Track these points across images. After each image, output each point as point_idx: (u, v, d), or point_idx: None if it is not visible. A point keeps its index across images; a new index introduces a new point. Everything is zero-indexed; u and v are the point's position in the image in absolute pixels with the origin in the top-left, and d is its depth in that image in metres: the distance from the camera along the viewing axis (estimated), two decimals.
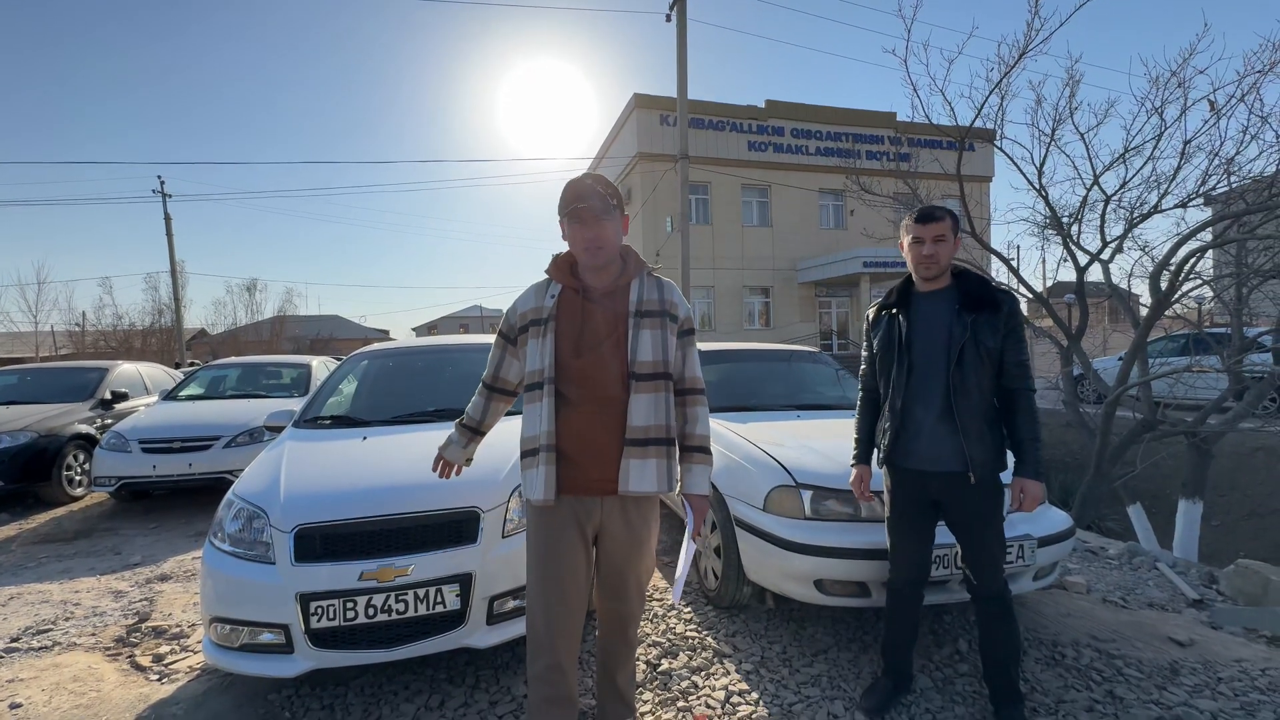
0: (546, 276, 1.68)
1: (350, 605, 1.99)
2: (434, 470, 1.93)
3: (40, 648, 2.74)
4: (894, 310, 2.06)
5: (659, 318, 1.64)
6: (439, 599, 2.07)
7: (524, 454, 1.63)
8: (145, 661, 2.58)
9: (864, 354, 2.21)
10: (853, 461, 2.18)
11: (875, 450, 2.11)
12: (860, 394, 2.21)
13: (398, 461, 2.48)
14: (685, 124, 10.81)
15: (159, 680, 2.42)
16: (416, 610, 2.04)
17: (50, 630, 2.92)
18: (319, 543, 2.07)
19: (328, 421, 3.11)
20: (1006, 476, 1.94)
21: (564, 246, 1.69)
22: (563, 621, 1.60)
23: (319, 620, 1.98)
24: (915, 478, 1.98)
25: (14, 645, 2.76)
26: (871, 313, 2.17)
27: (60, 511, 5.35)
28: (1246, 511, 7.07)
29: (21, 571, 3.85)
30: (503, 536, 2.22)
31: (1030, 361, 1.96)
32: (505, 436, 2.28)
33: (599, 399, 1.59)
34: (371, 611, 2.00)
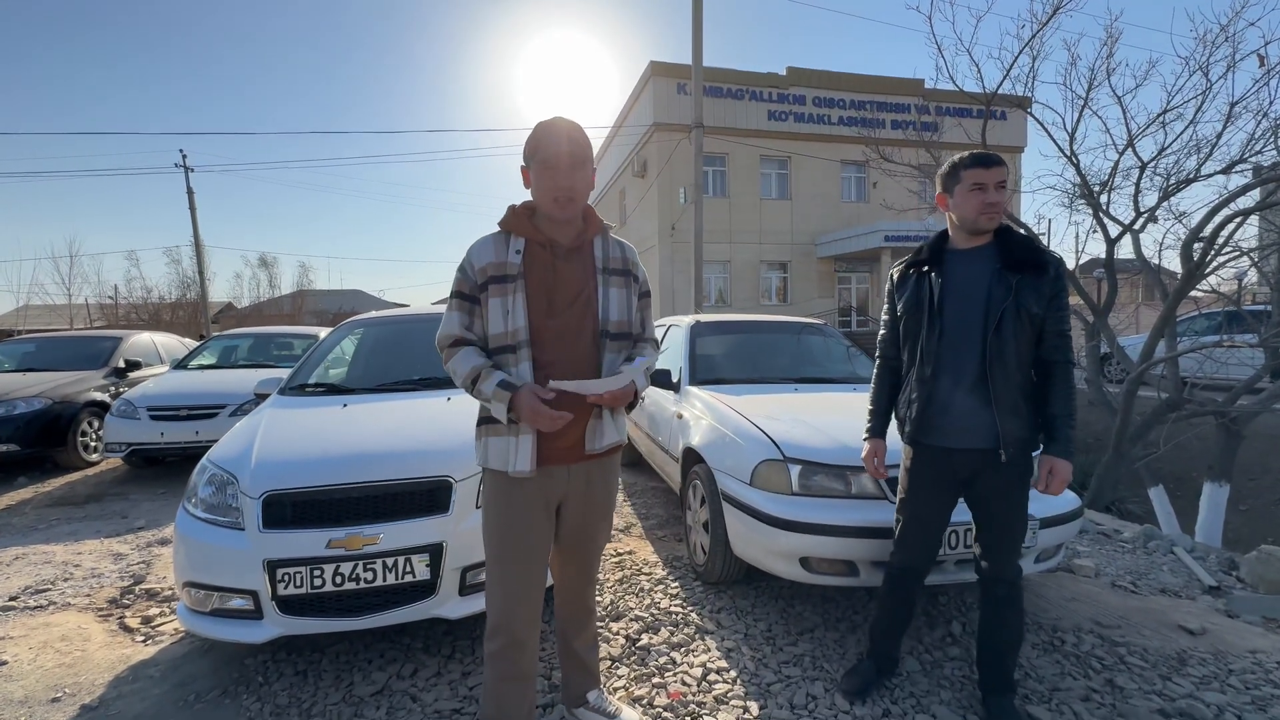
0: (500, 229, 1.54)
1: (318, 573, 1.96)
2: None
3: (36, 607, 2.79)
4: (925, 268, 1.83)
5: (624, 277, 1.58)
6: (408, 569, 2.02)
7: (492, 421, 1.53)
8: (134, 623, 2.61)
9: (884, 318, 2.00)
10: (866, 435, 2.02)
11: (900, 425, 1.90)
12: (878, 361, 2.02)
13: (373, 429, 2.43)
14: (700, 90, 10.44)
15: (144, 642, 2.44)
16: (385, 580, 2.00)
17: (48, 590, 2.97)
18: (288, 510, 2.03)
19: (314, 389, 3.08)
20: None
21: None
22: (524, 598, 1.53)
23: (286, 587, 1.95)
24: (940, 455, 1.80)
25: (11, 604, 2.81)
26: (897, 271, 1.94)
27: (75, 476, 5.49)
28: (1278, 497, 6.77)
29: (31, 533, 3.94)
30: (476, 507, 2.16)
31: (1071, 333, 1.79)
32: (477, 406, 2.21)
33: (572, 360, 1.49)
34: (339, 580, 1.97)
